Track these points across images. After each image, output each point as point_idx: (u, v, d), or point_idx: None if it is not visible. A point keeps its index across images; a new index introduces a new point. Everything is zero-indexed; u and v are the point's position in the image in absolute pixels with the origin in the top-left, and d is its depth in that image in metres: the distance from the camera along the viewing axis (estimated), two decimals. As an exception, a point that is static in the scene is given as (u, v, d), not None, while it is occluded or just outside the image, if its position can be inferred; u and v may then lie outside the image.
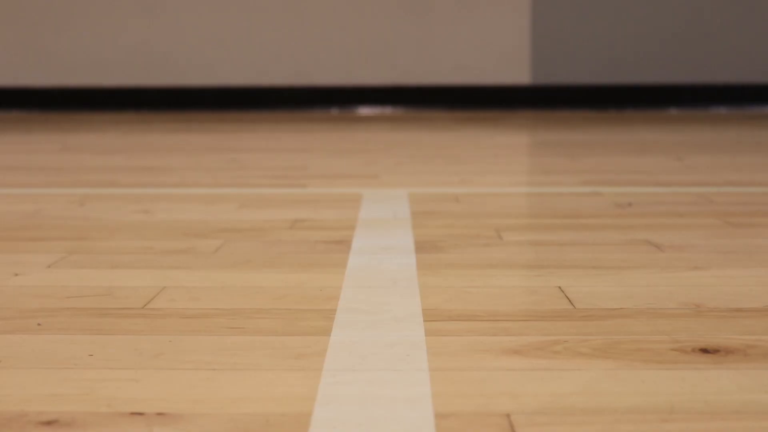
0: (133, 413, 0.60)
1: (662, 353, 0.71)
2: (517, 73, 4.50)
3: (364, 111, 4.44)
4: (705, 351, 0.72)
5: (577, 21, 4.47)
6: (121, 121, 3.81)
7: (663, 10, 4.47)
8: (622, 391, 0.63)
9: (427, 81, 4.52)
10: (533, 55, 4.49)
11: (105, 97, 4.53)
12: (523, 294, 0.92)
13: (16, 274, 1.00)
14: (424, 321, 0.80)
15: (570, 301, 0.87)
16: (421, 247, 1.14)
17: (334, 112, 4.42)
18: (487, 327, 0.79)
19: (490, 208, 1.49)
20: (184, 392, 0.64)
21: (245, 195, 1.66)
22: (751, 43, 4.48)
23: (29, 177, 2.01)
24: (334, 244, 1.17)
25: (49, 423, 0.58)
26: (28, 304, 0.87)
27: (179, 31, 4.52)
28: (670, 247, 1.13)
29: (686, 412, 0.60)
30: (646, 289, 0.92)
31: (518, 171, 2.17)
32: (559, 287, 0.93)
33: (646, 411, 0.60)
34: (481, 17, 4.49)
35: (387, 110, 4.45)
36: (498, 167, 2.18)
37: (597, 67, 4.49)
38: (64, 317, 0.83)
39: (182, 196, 1.68)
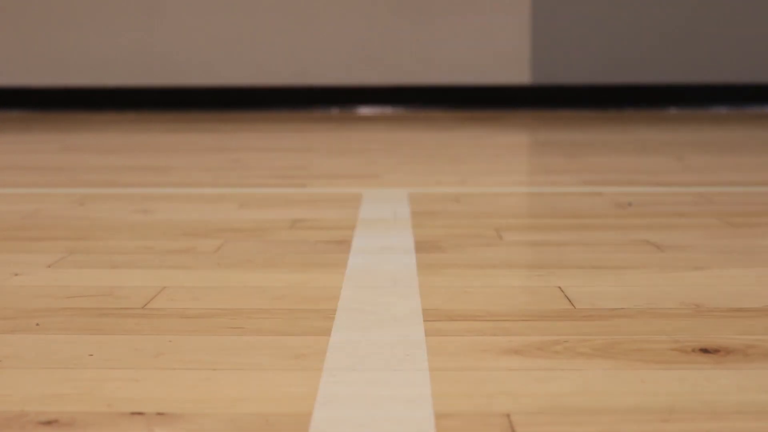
0: (133, 413, 0.60)
1: (662, 353, 0.71)
2: (517, 73, 4.50)
3: (364, 111, 4.43)
4: (705, 351, 0.72)
5: (577, 21, 4.47)
6: (121, 121, 3.81)
7: (663, 10, 4.47)
8: (622, 391, 0.63)
9: (427, 81, 4.52)
10: (533, 55, 4.49)
11: (105, 97, 4.53)
12: (523, 294, 0.92)
13: (16, 274, 1.00)
14: (424, 321, 0.80)
15: (570, 301, 0.87)
16: (421, 247, 1.14)
17: (334, 112, 4.42)
18: (487, 327, 0.79)
19: (490, 208, 1.49)
20: (184, 392, 0.64)
21: (245, 195, 1.66)
22: (751, 43, 4.48)
23: (29, 177, 2.01)
24: (334, 244, 1.16)
25: (49, 423, 0.58)
26: (28, 304, 0.87)
27: (179, 31, 4.52)
28: (670, 247, 1.13)
29: (686, 412, 0.60)
30: (646, 289, 0.92)
31: (518, 171, 2.17)
32: (559, 287, 0.93)
33: (646, 411, 0.60)
34: (481, 17, 4.49)
35: (387, 110, 4.45)
36: (498, 167, 2.18)
37: (597, 67, 4.49)
38: (64, 317, 0.83)
39: (182, 196, 1.68)
